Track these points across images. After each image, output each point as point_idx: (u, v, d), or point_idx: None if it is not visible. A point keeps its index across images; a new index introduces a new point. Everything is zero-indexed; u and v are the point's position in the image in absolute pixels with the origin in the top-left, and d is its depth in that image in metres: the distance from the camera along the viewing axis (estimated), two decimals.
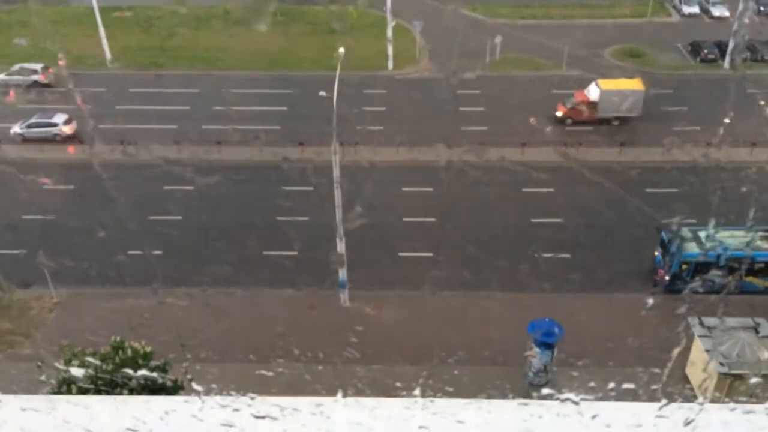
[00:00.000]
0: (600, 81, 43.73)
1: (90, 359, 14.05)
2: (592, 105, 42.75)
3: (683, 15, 59.91)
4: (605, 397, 2.45)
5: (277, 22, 57.26)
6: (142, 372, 2.67)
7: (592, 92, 43.18)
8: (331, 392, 2.23)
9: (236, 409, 2.06)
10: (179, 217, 33.87)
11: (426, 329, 26.66)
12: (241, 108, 42.57)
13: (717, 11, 58.88)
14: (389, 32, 49.45)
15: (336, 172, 28.24)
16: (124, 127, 42.46)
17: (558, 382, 25.40)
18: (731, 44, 49.47)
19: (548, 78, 48.65)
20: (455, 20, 57.07)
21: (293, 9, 59.78)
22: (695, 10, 59.77)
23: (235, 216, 34.20)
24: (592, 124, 42.37)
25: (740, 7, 48.81)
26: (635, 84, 43.10)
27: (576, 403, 2.15)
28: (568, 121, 43.12)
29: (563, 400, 2.17)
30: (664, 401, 2.19)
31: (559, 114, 43.26)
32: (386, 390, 2.25)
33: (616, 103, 42.40)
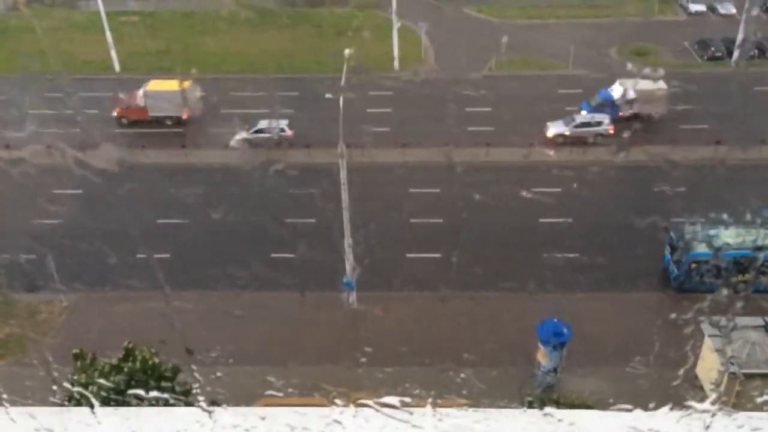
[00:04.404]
0: (151, 81, 44.32)
1: (102, 381, 14.11)
2: (142, 104, 43.25)
3: (690, 13, 59.72)
4: (611, 400, 2.45)
5: (283, 25, 57.37)
6: (153, 393, 2.66)
7: (140, 93, 43.68)
8: (341, 397, 2.24)
9: (246, 429, 2.07)
10: (187, 221, 33.95)
11: (434, 331, 26.63)
12: (248, 111, 42.66)
13: (723, 9, 58.70)
14: (395, 33, 49.45)
15: (342, 174, 28.29)
16: (130, 131, 42.71)
17: (566, 384, 25.35)
18: (738, 41, 49.29)
19: (554, 78, 48.56)
20: (461, 21, 57.03)
21: (298, 12, 59.89)
22: (702, 8, 59.58)
23: (243, 219, 34.23)
24: (150, 124, 42.83)
25: (747, 4, 48.62)
26: (179, 85, 43.72)
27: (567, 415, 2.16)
28: (124, 120, 43.55)
29: (550, 414, 2.18)
30: (674, 414, 2.19)
31: (114, 114, 43.57)
32: (395, 395, 2.26)
33: (162, 104, 42.78)
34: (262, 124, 41.75)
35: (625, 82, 42.79)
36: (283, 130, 41.56)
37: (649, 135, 39.93)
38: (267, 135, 41.37)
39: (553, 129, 41.31)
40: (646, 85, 42.41)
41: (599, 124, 41.10)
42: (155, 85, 44.05)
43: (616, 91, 42.96)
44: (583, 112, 42.47)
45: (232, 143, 41.29)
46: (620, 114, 41.73)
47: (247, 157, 40.50)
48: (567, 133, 40.92)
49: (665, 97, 41.66)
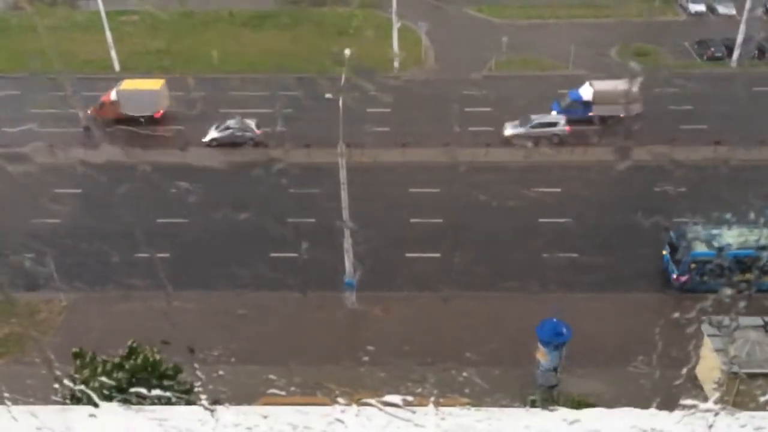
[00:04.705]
0: (124, 81, 44.75)
1: (104, 379, 14.13)
2: (116, 104, 43.58)
3: (690, 14, 59.72)
4: (612, 400, 2.45)
5: (283, 25, 57.38)
6: (156, 392, 2.66)
7: (113, 93, 44.00)
8: (343, 396, 2.24)
9: (249, 428, 2.07)
10: (186, 220, 33.93)
11: (434, 330, 26.63)
12: (248, 110, 42.67)
13: (723, 9, 58.69)
14: (395, 33, 49.42)
15: (342, 174, 28.29)
16: (130, 130, 42.65)
17: (566, 384, 25.35)
18: (738, 42, 49.29)
19: (554, 78, 48.51)
20: (461, 21, 57.04)
21: (299, 11, 59.88)
22: (702, 8, 59.57)
23: (243, 218, 34.24)
24: (123, 122, 43.01)
25: (747, 4, 48.61)
26: (154, 84, 44.04)
27: (573, 413, 2.16)
28: (98, 119, 43.76)
29: (556, 410, 2.18)
30: (677, 413, 2.18)
31: (89, 112, 43.76)
32: (398, 394, 2.26)
33: (138, 102, 43.13)
34: (231, 123, 41.95)
35: (595, 83, 42.98)
36: (251, 129, 41.76)
37: (650, 135, 39.85)
38: (235, 134, 41.62)
39: (510, 129, 41.49)
40: (615, 85, 42.76)
41: (555, 124, 41.35)
42: (128, 84, 44.33)
43: (586, 91, 43.09)
44: (553, 113, 42.64)
45: (205, 141, 41.57)
46: (590, 114, 41.90)
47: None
48: (523, 133, 40.99)
49: (636, 97, 41.97)
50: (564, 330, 25.34)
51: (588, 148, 40.12)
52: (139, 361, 18.08)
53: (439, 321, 27.00)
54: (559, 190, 35.70)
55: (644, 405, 2.30)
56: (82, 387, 2.48)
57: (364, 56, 46.63)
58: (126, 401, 2.17)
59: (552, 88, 46.58)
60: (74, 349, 18.35)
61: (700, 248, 29.10)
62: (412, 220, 34.56)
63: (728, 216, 28.35)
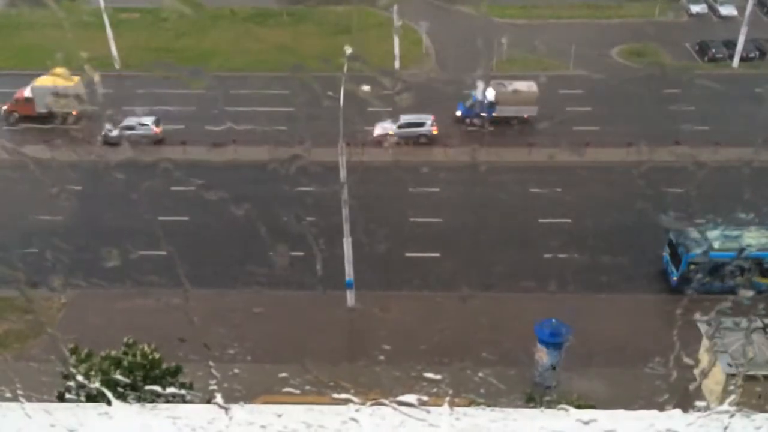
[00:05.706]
0: (39, 77, 44.75)
1: (119, 377, 14.12)
2: (30, 101, 43.93)
3: (691, 14, 59.71)
4: (612, 401, 2.45)
5: (284, 23, 57.34)
6: (171, 389, 2.69)
7: (28, 89, 44.17)
8: (358, 395, 2.24)
9: (263, 426, 2.06)
10: (186, 218, 33.89)
11: (433, 330, 26.57)
12: (248, 108, 42.62)
13: (725, 10, 58.71)
14: (395, 33, 49.38)
15: (342, 173, 28.28)
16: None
17: (566, 384, 25.33)
18: (740, 43, 49.31)
19: (555, 78, 48.46)
20: (462, 20, 57.00)
21: (300, 9, 59.84)
22: (703, 9, 59.57)
23: (243, 217, 34.09)
24: (38, 120, 42.97)
25: (748, 6, 48.62)
26: (69, 81, 43.19)
27: (579, 412, 2.16)
28: (15, 116, 44.11)
29: (561, 409, 2.18)
30: (692, 415, 2.18)
31: (4, 109, 44.12)
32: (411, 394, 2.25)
33: (52, 100, 43.18)
34: (130, 120, 41.91)
35: (498, 84, 43.23)
36: (146, 125, 41.93)
37: (653, 136, 39.88)
38: (133, 132, 41.65)
39: (379, 129, 41.49)
40: (518, 86, 42.80)
41: (422, 125, 41.40)
42: (43, 80, 44.22)
43: (490, 92, 43.16)
44: (458, 113, 42.88)
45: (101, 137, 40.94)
46: (494, 114, 42.05)
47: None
48: (391, 132, 41.04)
49: (535, 98, 42.18)
50: (563, 330, 25.33)
51: (589, 149, 40.14)
52: (137, 357, 18.07)
53: (437, 320, 26.95)
54: (559, 190, 35.69)
55: (646, 406, 2.30)
56: (97, 385, 2.47)
57: (365, 55, 46.59)
58: (140, 399, 2.16)
59: (553, 88, 46.53)
60: (70, 345, 18.32)
61: (716, 249, 28.66)
62: (412, 220, 34.54)
63: (740, 217, 28.32)
